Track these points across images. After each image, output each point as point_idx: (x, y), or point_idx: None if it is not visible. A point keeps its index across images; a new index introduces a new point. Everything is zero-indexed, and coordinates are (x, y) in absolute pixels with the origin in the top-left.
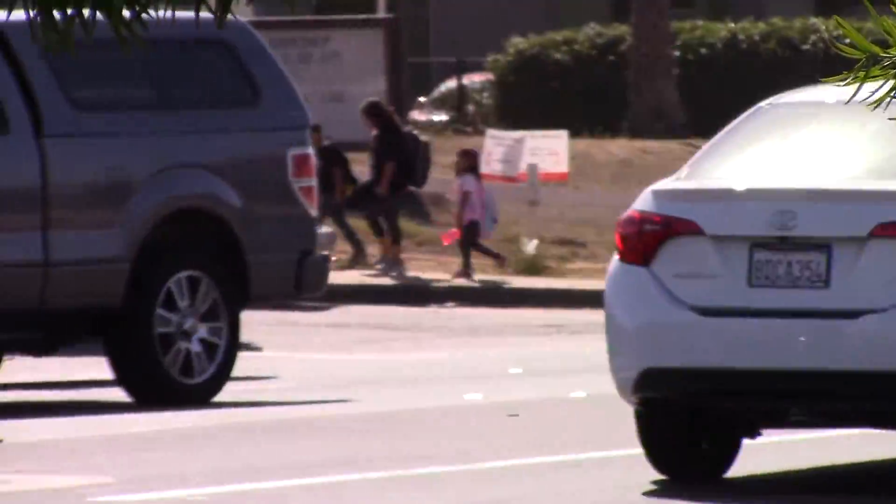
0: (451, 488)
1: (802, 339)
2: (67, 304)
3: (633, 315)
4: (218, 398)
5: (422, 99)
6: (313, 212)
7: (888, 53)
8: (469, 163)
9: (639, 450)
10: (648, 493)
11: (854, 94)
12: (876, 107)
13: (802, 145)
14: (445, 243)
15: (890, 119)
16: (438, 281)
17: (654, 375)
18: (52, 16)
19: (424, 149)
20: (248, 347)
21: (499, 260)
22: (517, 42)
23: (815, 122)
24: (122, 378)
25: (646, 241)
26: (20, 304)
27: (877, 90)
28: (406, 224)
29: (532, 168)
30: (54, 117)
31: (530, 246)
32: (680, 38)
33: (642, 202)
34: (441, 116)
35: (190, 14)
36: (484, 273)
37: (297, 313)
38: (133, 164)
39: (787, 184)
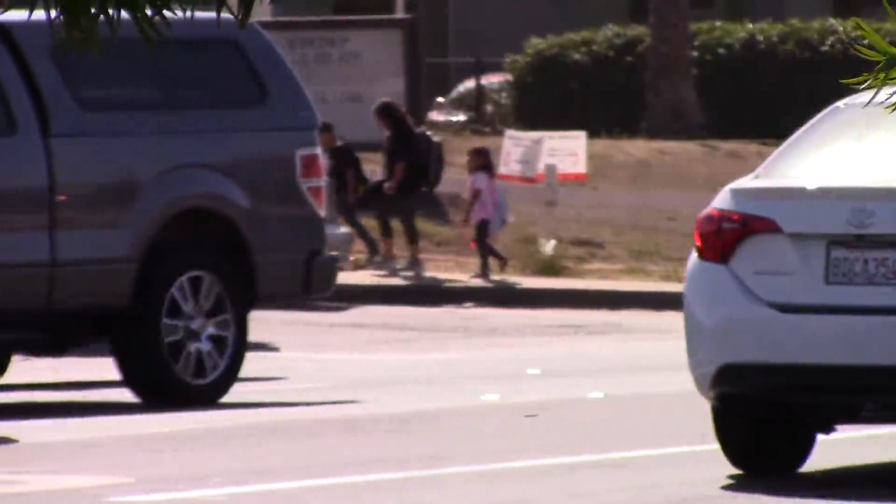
0: (468, 489)
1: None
2: (74, 305)
3: (711, 312)
4: (234, 399)
5: (440, 99)
6: (321, 212)
7: None
8: (481, 161)
9: (655, 450)
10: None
11: (872, 98)
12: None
13: (878, 144)
14: (473, 246)
15: None
16: (456, 281)
17: (732, 371)
18: (77, 14)
19: (437, 149)
20: (266, 348)
21: (502, 262)
22: (536, 42)
23: (890, 122)
24: (129, 378)
25: (724, 239)
26: (27, 304)
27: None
28: (424, 224)
29: (550, 169)
30: (62, 117)
31: (548, 246)
32: (698, 38)
33: (721, 201)
34: (459, 117)
35: (199, 14)
36: (502, 274)
37: (314, 313)
38: (140, 163)
39: (863, 182)
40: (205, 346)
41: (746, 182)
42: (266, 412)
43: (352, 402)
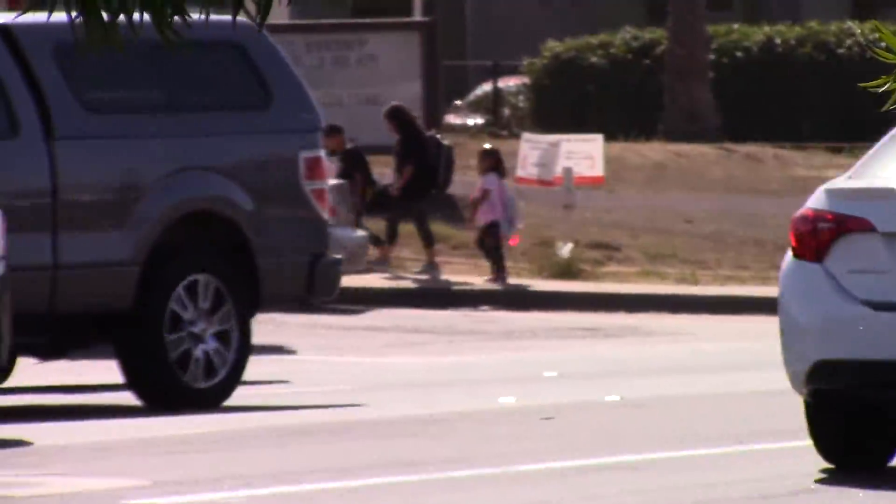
0: (485, 491)
1: None
2: (77, 308)
3: (806, 309)
4: (242, 402)
5: (457, 102)
6: (325, 214)
7: None
8: (491, 162)
9: (672, 453)
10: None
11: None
12: None
13: None
14: (512, 245)
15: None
16: (472, 284)
17: (826, 367)
18: (99, 13)
19: (447, 152)
20: (283, 350)
21: (499, 267)
22: (553, 45)
23: None
24: (133, 382)
25: (819, 238)
26: (29, 307)
27: None
28: (441, 227)
29: (567, 172)
30: (64, 119)
31: (565, 249)
32: (715, 41)
33: (815, 201)
34: (476, 120)
35: (203, 16)
36: (518, 277)
37: (331, 316)
38: (143, 166)
39: None
40: (208, 349)
41: (840, 182)
42: (280, 415)
43: (368, 405)
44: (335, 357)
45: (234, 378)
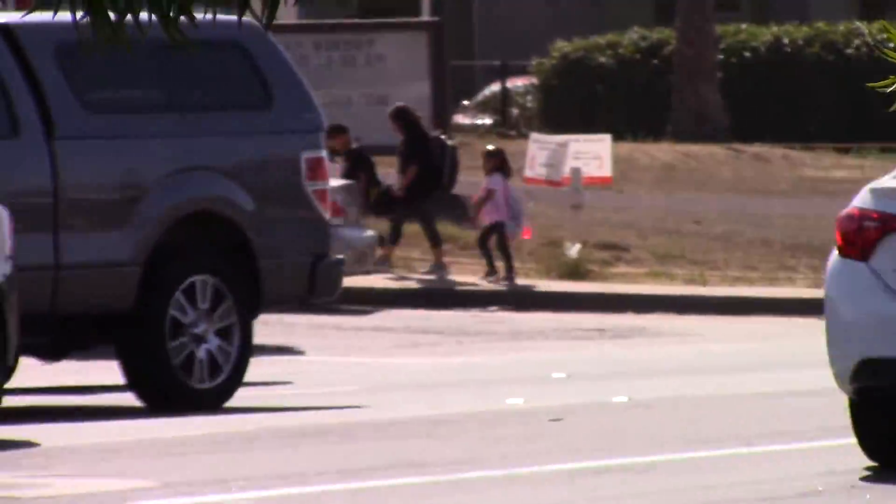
0: (493, 493)
1: None
2: (78, 308)
3: (851, 307)
4: (254, 403)
5: (465, 102)
6: (327, 215)
7: None
8: (495, 163)
9: (680, 454)
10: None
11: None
12: None
13: None
14: (527, 237)
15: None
16: (480, 284)
17: (872, 365)
18: (106, 13)
19: (452, 153)
20: (292, 351)
21: (489, 270)
22: (561, 45)
23: None
24: (134, 383)
25: (864, 237)
26: (30, 307)
27: None
28: (449, 228)
29: (576, 172)
30: (65, 119)
31: (573, 250)
32: (724, 41)
33: (861, 200)
34: (484, 120)
35: (207, 16)
36: (526, 277)
37: (339, 317)
38: (144, 166)
39: None
40: (211, 348)
41: (886, 182)
42: (288, 416)
43: (376, 406)
44: (343, 358)
45: (235, 379)
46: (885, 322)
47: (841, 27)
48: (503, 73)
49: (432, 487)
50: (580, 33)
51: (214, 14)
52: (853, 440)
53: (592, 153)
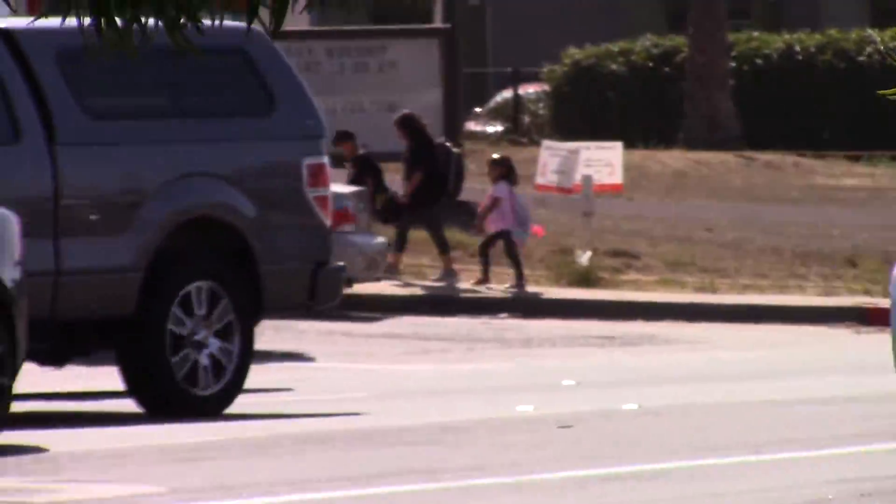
0: (503, 500)
1: None
2: (79, 314)
3: None
4: (266, 409)
5: (477, 109)
6: (328, 222)
7: None
8: (501, 171)
9: (690, 462)
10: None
11: None
12: None
13: None
14: (539, 235)
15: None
16: (490, 291)
17: None
18: (113, 18)
19: (457, 160)
20: (302, 357)
21: (484, 276)
22: (573, 52)
23: None
24: (134, 389)
25: None
26: (31, 313)
27: None
28: (457, 235)
29: (587, 179)
30: (67, 125)
31: (584, 257)
32: (736, 49)
33: None
34: (496, 127)
35: (208, 22)
36: (537, 284)
37: (349, 324)
38: (146, 172)
39: None
40: (211, 353)
41: None
42: (297, 422)
43: (385, 412)
44: (353, 364)
45: (236, 385)
46: None
47: (853, 35)
48: (515, 80)
49: (442, 494)
50: (592, 41)
51: (222, 20)
52: (863, 448)
53: (604, 160)
